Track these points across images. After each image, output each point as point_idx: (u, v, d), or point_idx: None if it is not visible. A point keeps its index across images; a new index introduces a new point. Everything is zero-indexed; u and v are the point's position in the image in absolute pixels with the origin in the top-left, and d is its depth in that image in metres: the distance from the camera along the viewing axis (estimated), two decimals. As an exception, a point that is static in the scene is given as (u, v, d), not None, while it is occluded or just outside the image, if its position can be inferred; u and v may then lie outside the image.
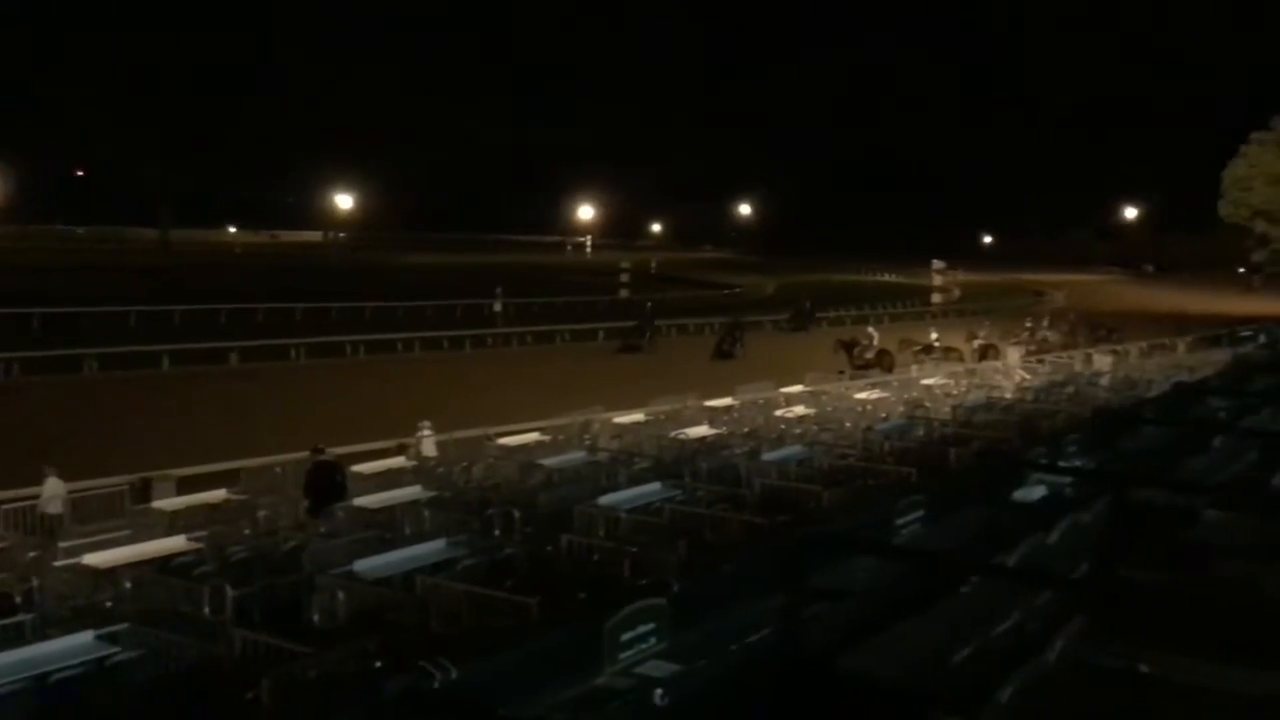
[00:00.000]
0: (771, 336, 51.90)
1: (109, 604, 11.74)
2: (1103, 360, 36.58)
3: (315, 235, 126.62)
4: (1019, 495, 7.18)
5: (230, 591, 11.15)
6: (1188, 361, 35.22)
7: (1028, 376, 32.51)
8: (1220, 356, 35.04)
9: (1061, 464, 7.96)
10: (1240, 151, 56.43)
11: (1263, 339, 43.35)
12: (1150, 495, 6.96)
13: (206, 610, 11.11)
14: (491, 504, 14.81)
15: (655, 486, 15.33)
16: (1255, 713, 5.07)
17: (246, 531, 14.45)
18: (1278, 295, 63.99)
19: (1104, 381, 28.47)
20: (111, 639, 9.89)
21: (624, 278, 72.05)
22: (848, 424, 22.06)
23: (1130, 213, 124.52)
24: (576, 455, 18.53)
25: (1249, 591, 6.18)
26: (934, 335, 44.06)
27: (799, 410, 23.90)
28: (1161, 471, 8.05)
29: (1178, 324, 52.77)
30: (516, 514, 14.03)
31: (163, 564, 12.68)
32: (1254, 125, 56.29)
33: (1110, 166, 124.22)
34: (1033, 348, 43.13)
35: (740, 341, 44.63)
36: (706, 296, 74.38)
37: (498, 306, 49.38)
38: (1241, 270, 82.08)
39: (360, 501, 15.19)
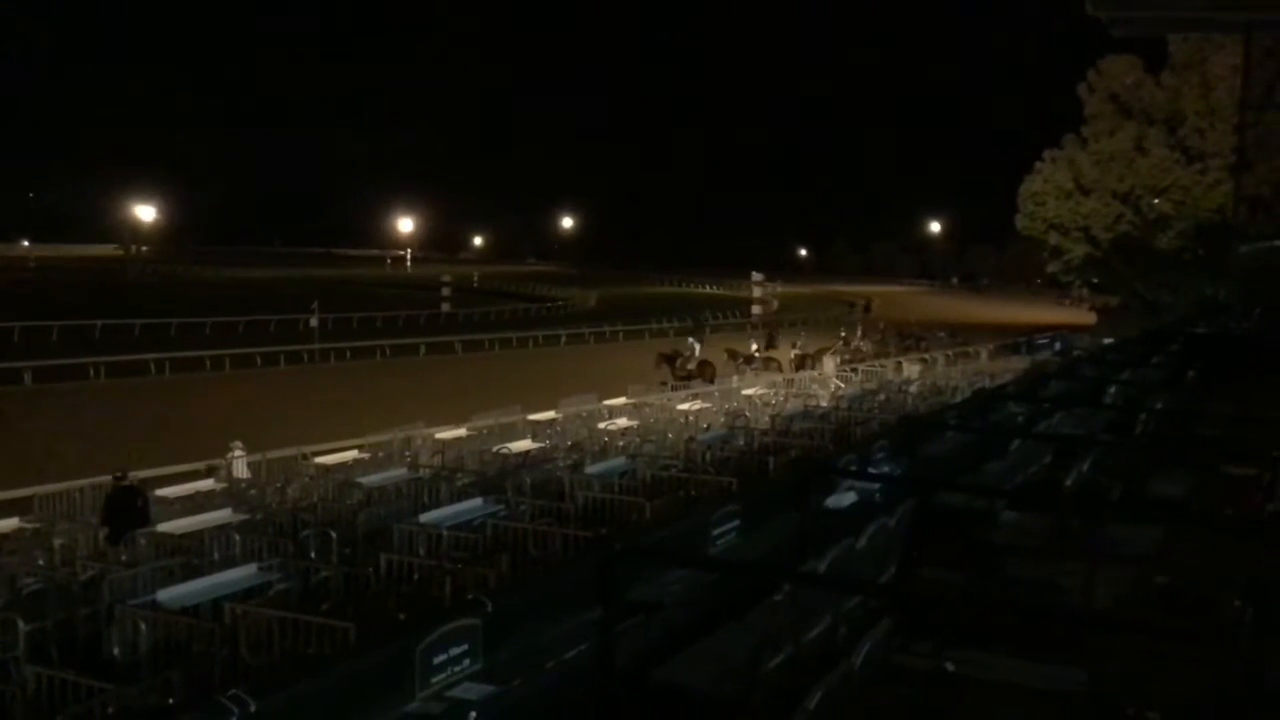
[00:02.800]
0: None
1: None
2: (912, 369, 38.00)
3: (116, 249, 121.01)
4: (830, 502, 7.35)
5: (22, 626, 10.47)
6: (989, 368, 37.02)
7: (842, 385, 33.52)
8: (1019, 364, 36.93)
9: (870, 470, 8.20)
10: (1035, 168, 59.53)
11: (1058, 346, 45.93)
12: (951, 499, 7.23)
13: (-5, 647, 10.42)
14: (307, 525, 14.34)
15: (477, 502, 15.11)
16: (1052, 706, 5.29)
17: (40, 562, 13.64)
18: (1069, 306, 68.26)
19: (912, 389, 29.55)
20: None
21: (445, 291, 71.24)
22: (670, 435, 22.25)
23: (935, 227, 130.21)
24: (397, 473, 18.12)
25: (1044, 589, 6.47)
26: (754, 346, 45.00)
27: (622, 422, 24.01)
28: (962, 475, 8.38)
29: (950, 330, 55.97)
30: (333, 535, 13.61)
31: (-53, 599, 11.83)
32: (1048, 142, 59.61)
33: (916, 182, 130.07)
34: (847, 357, 44.51)
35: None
36: (529, 310, 74.26)
37: (314, 322, 47.99)
38: (1039, 281, 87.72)
39: (165, 527, 14.49)
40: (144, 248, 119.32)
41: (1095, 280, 62.98)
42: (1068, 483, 8.35)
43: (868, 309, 65.83)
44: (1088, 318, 64.61)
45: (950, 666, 5.45)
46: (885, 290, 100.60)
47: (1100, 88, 57.49)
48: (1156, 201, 55.12)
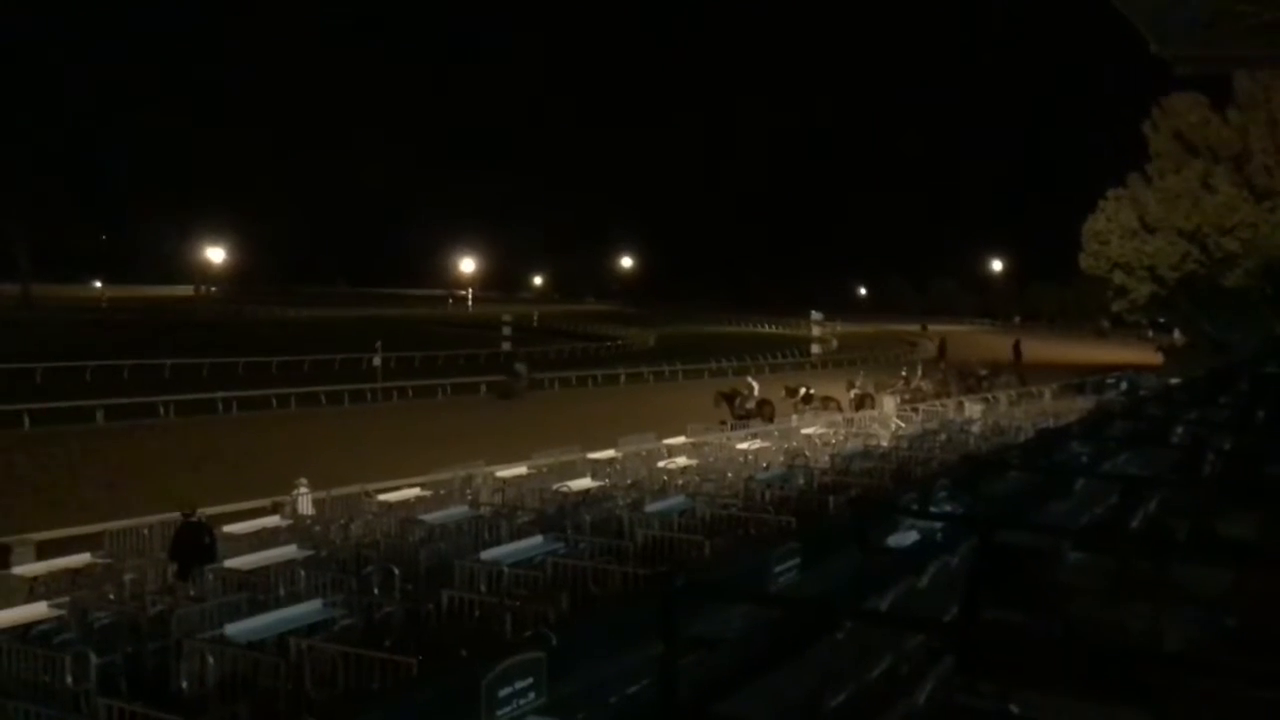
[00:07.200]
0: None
1: (-37, 677, 11.15)
2: (973, 408, 37.59)
3: (187, 289, 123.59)
4: (891, 540, 7.32)
5: (93, 659, 10.70)
6: (1053, 408, 36.50)
7: (903, 425, 33.21)
8: (1083, 404, 36.36)
9: (932, 509, 8.15)
10: (1099, 207, 58.92)
11: (1124, 386, 45.17)
12: (1015, 538, 7.16)
13: (69, 680, 10.65)
14: (370, 562, 14.50)
15: (537, 540, 15.20)
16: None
17: (111, 597, 13.89)
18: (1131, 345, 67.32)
19: (974, 429, 29.24)
20: (-35, 713, 9.42)
21: (506, 330, 71.77)
22: (729, 474, 22.19)
23: (996, 265, 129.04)
24: (458, 510, 18.27)
25: (1111, 630, 6.38)
26: (803, 390, 44.24)
27: (681, 461, 24.00)
28: (1025, 515, 8.30)
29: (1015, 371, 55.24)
30: (396, 571, 13.76)
31: (22, 632, 12.09)
32: (1112, 181, 59.05)
33: (976, 220, 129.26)
34: (907, 396, 44.14)
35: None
36: (588, 349, 74.59)
37: (377, 361, 48.63)
38: (1104, 324, 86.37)
39: (232, 563, 14.73)
40: (213, 288, 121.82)
41: (1161, 320, 62.10)
42: (1134, 523, 8.24)
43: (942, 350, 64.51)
44: (1154, 358, 63.50)
45: (1015, 708, 5.40)
46: (946, 329, 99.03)
47: (1165, 126, 56.88)
48: (1224, 240, 54.24)
